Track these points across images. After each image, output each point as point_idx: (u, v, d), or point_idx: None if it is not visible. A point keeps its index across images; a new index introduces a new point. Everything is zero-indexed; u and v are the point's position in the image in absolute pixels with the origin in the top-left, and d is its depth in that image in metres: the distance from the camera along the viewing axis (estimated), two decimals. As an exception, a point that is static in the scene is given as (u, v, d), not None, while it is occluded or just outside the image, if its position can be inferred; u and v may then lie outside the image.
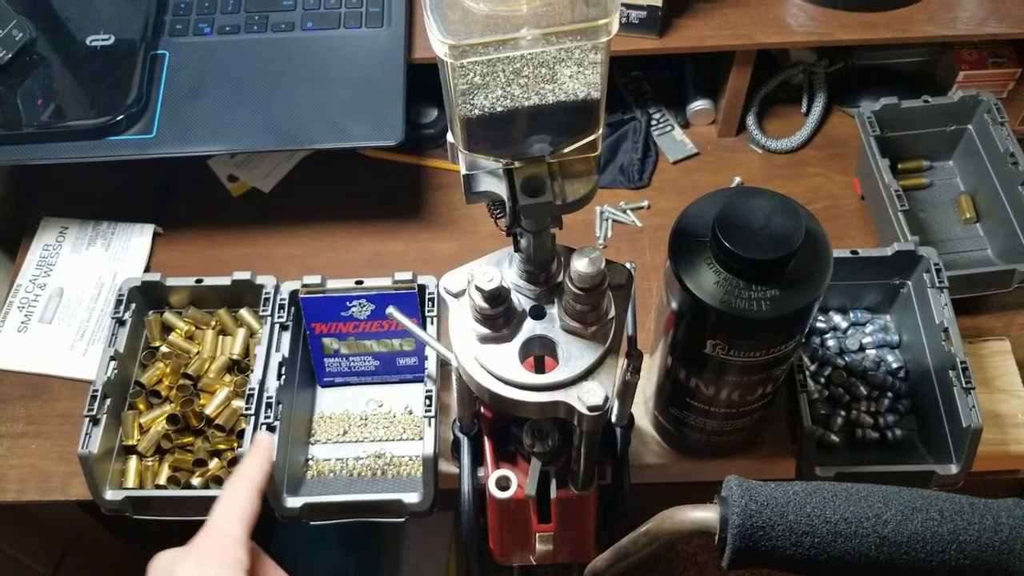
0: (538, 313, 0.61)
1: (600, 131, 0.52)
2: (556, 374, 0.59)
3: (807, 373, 0.85)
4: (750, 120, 1.07)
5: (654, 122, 1.10)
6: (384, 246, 1.02)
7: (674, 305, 0.67)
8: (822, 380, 0.85)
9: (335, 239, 1.03)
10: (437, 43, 0.44)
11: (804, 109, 1.09)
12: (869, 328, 0.88)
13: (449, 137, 0.53)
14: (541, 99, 0.49)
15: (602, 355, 0.60)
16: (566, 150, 0.53)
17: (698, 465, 0.85)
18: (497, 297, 0.58)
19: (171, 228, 1.03)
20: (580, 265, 0.56)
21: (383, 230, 1.03)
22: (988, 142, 0.96)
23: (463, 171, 0.53)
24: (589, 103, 0.49)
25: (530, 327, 0.61)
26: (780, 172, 1.06)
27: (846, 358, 0.86)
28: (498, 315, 0.59)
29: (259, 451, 0.67)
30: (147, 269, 0.99)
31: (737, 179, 1.05)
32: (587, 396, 0.58)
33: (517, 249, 0.59)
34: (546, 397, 0.59)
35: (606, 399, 0.58)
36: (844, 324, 0.88)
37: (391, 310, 0.72)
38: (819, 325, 0.88)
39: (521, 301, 0.61)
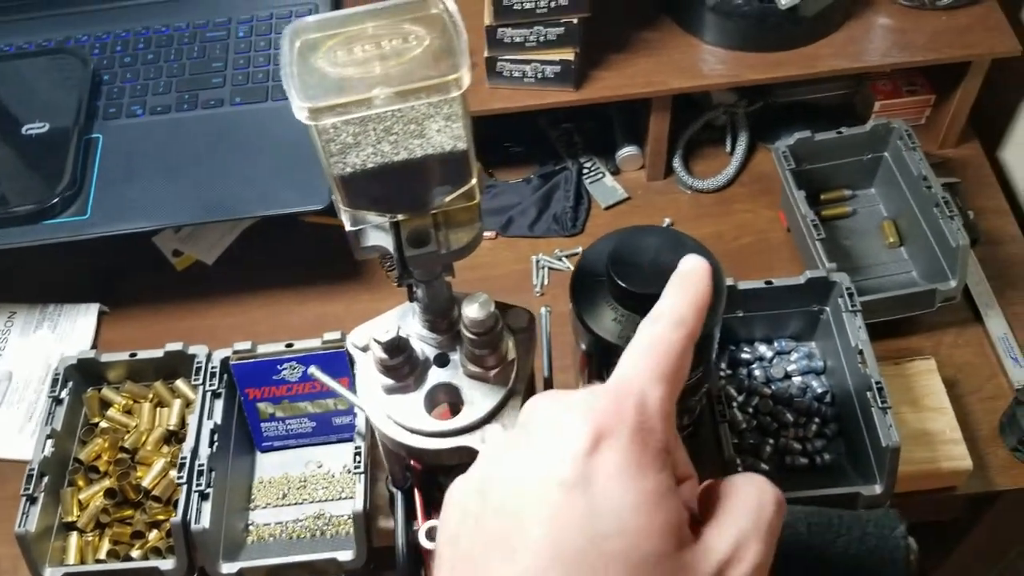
0: (443, 361, 0.63)
1: (474, 181, 0.54)
2: (459, 419, 0.61)
3: (735, 403, 0.87)
4: (676, 163, 1.10)
5: (585, 170, 1.13)
6: (326, 308, 1.04)
7: (583, 345, 0.69)
8: (750, 410, 0.86)
9: (278, 305, 1.05)
10: (296, 108, 0.47)
11: (729, 148, 1.12)
12: (794, 356, 0.89)
13: (332, 195, 0.55)
14: (410, 154, 0.51)
15: (504, 397, 0.61)
16: (446, 200, 0.55)
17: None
18: (396, 348, 0.60)
19: (117, 306, 1.05)
20: (470, 311, 0.58)
21: (324, 293, 1.05)
22: (903, 168, 0.99)
23: (348, 227, 0.55)
24: (456, 155, 0.52)
25: (435, 375, 0.62)
26: (709, 211, 1.08)
27: (772, 387, 0.87)
28: (399, 365, 0.60)
29: (694, 283, 0.45)
30: (93, 348, 1.01)
31: (667, 220, 1.07)
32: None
33: (412, 299, 0.61)
34: (450, 443, 0.60)
35: (509, 440, 0.60)
36: (769, 353, 0.90)
37: (313, 370, 0.74)
38: (744, 356, 0.89)
39: (425, 351, 0.63)
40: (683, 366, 0.41)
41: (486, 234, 1.08)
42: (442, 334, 0.63)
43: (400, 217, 0.56)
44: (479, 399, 0.61)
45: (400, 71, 0.47)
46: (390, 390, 0.62)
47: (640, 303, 0.64)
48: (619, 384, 0.39)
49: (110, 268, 1.08)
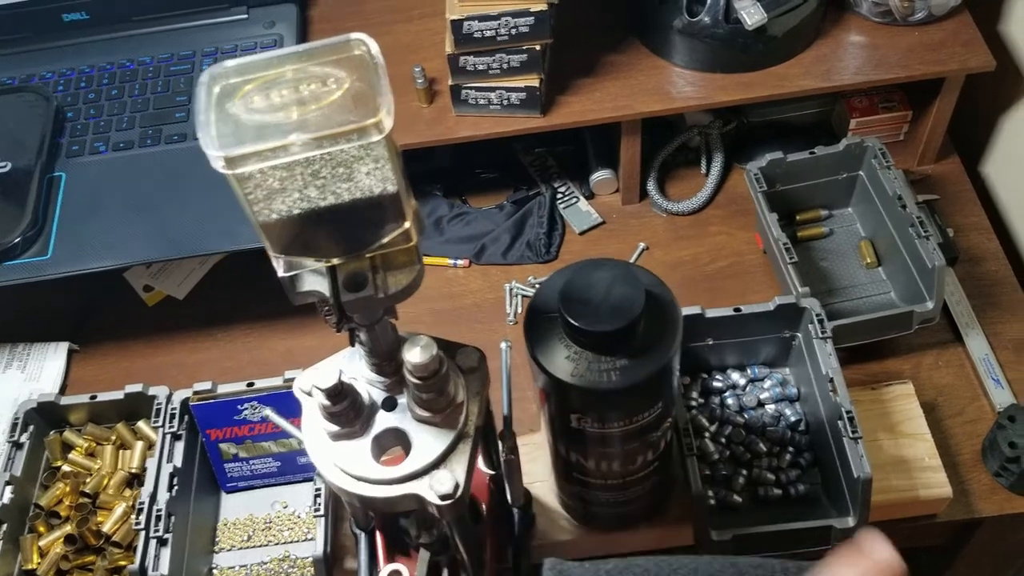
0: (390, 405, 0.61)
1: (408, 224, 0.53)
2: (406, 465, 0.59)
3: (707, 434, 0.85)
4: (651, 185, 1.09)
5: (559, 195, 1.11)
6: (297, 343, 1.03)
7: (539, 383, 0.68)
8: (722, 440, 0.84)
9: (249, 340, 1.04)
10: (212, 158, 0.45)
11: (704, 170, 1.11)
12: (767, 383, 0.87)
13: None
14: (337, 198, 0.50)
15: (453, 441, 0.60)
16: (382, 242, 0.54)
17: (608, 538, 0.84)
18: (339, 394, 0.58)
19: (88, 343, 1.04)
20: (412, 356, 0.56)
21: (295, 327, 1.04)
22: (878, 187, 0.97)
23: (280, 273, 0.54)
24: (385, 197, 0.50)
25: (383, 420, 0.61)
26: (684, 233, 1.07)
27: (745, 415, 0.86)
28: (343, 411, 0.59)
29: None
30: (64, 387, 1.00)
31: (641, 245, 1.06)
32: (437, 485, 0.58)
33: (354, 344, 0.60)
34: (398, 491, 0.59)
35: (456, 486, 0.58)
36: (742, 381, 0.88)
37: (268, 413, 0.73)
38: (716, 384, 0.88)
39: (373, 394, 0.62)
40: None
41: (459, 262, 1.07)
42: (389, 377, 0.61)
43: (335, 261, 0.54)
44: (427, 444, 0.60)
45: (317, 117, 0.46)
46: (336, 436, 0.60)
47: (592, 341, 0.62)
48: None
49: (81, 305, 1.07)
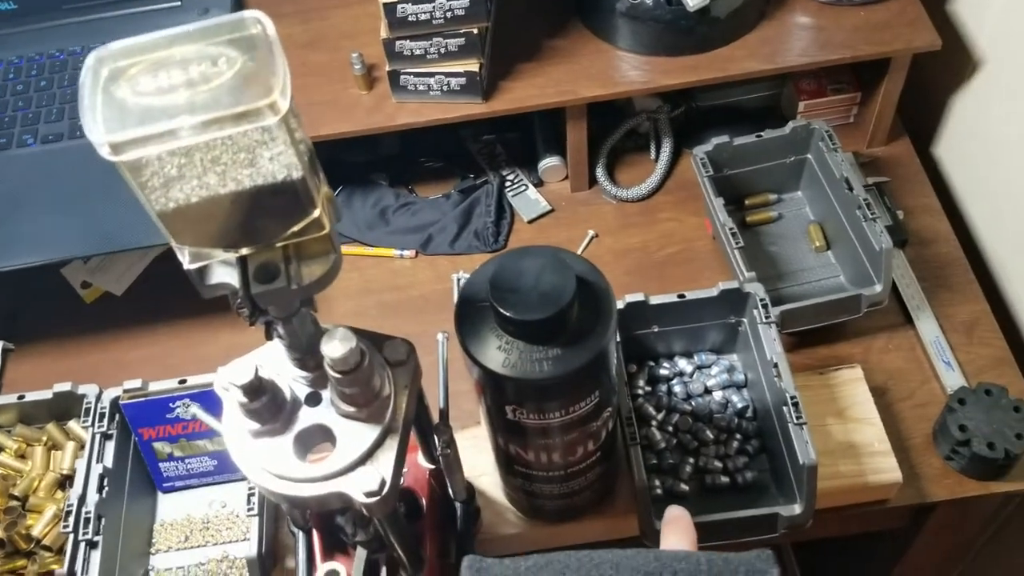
0: (314, 400, 0.59)
1: (317, 212, 0.51)
2: (330, 463, 0.57)
3: (654, 422, 0.83)
4: (599, 172, 1.07)
5: (508, 183, 1.09)
6: (241, 338, 1.00)
7: (473, 375, 0.66)
8: (669, 428, 0.83)
9: (191, 335, 1.01)
10: (97, 144, 0.43)
11: (653, 155, 1.09)
12: (714, 370, 0.86)
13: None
14: (238, 185, 0.48)
15: (380, 436, 0.58)
16: (293, 230, 0.52)
17: (555, 530, 0.83)
18: (256, 390, 0.56)
19: (24, 342, 1.01)
20: (330, 349, 0.54)
21: (239, 322, 1.01)
22: (826, 170, 0.96)
23: (186, 265, 0.52)
24: (290, 184, 0.48)
25: (306, 416, 0.59)
26: (634, 220, 1.05)
27: (692, 403, 0.84)
28: (263, 408, 0.57)
29: (687, 527, 0.53)
30: (-1, 387, 0.97)
31: (591, 233, 1.04)
32: (363, 482, 0.56)
33: (270, 338, 0.58)
34: (322, 489, 0.57)
35: (383, 482, 0.56)
36: (689, 368, 0.86)
37: (195, 411, 0.70)
38: (663, 372, 0.86)
39: (297, 390, 0.60)
40: None
41: (406, 253, 1.05)
42: (312, 371, 0.59)
43: (245, 251, 0.52)
44: (352, 439, 0.57)
45: (206, 98, 0.43)
46: (257, 434, 0.58)
47: (523, 330, 0.60)
48: None
49: (16, 303, 1.04)
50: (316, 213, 0.51)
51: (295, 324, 0.56)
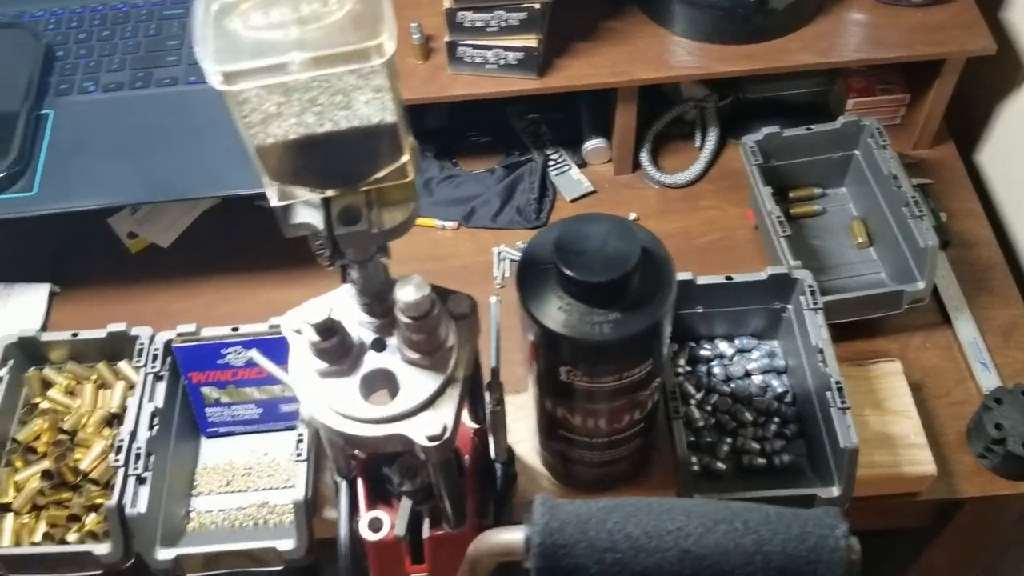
0: (379, 346, 0.61)
1: (406, 158, 0.52)
2: (394, 405, 0.58)
3: (692, 401, 0.85)
4: (644, 156, 1.08)
5: (551, 162, 1.10)
6: (281, 295, 1.02)
7: (530, 336, 0.67)
8: (708, 408, 0.84)
9: (233, 291, 1.03)
10: (209, 73, 0.44)
11: (698, 144, 1.10)
12: (755, 354, 0.87)
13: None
14: (335, 126, 0.49)
15: (442, 384, 0.59)
16: (378, 175, 0.53)
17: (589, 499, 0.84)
18: (329, 330, 0.57)
19: (70, 287, 1.03)
20: (404, 294, 0.55)
21: (281, 279, 1.03)
22: (873, 166, 0.97)
23: (273, 202, 0.53)
24: (384, 128, 0.50)
25: (371, 360, 0.60)
26: (675, 206, 1.06)
27: (732, 385, 0.85)
28: (333, 348, 0.58)
29: None
30: (43, 328, 0.98)
31: (632, 215, 1.05)
32: (426, 426, 0.58)
33: (345, 281, 0.59)
34: (385, 430, 0.58)
35: (444, 428, 0.58)
36: (730, 351, 0.88)
37: (254, 354, 0.72)
38: (704, 353, 0.87)
39: (362, 335, 0.61)
40: None
41: (448, 224, 1.06)
42: (379, 318, 0.61)
43: (330, 193, 0.53)
44: (416, 386, 0.59)
45: (317, 36, 0.45)
46: (325, 374, 0.59)
47: (585, 292, 0.62)
48: None
49: (63, 249, 1.05)
50: (404, 159, 0.52)
51: (369, 269, 0.57)
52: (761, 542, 0.45)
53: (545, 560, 0.45)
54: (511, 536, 0.48)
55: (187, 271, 1.04)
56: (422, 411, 0.58)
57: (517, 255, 1.03)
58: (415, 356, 0.59)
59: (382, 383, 0.61)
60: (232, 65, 0.44)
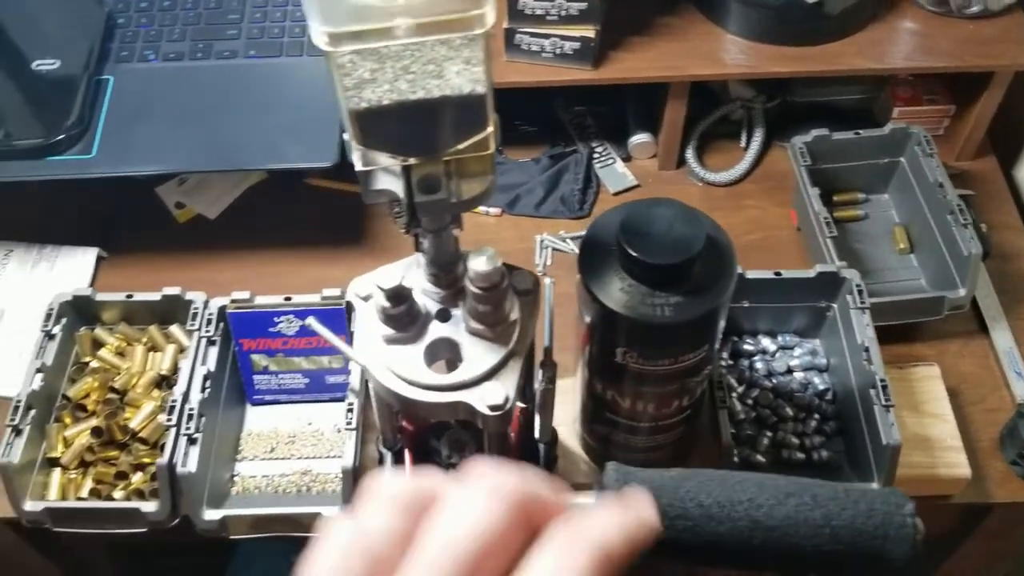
0: (444, 316, 0.62)
1: (491, 129, 0.53)
2: (458, 374, 0.60)
3: (735, 393, 0.86)
4: (689, 153, 1.09)
5: (596, 155, 1.12)
6: (326, 272, 1.03)
7: (587, 317, 0.68)
8: (749, 401, 0.85)
9: (277, 265, 1.04)
10: (315, 32, 0.46)
11: (743, 144, 1.11)
12: (797, 351, 0.88)
13: (344, 135, 0.54)
14: (427, 93, 0.50)
15: (505, 356, 0.60)
16: (460, 146, 0.54)
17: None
18: (399, 296, 0.59)
19: (116, 252, 1.04)
20: (477, 264, 0.57)
21: (325, 257, 1.04)
22: (919, 173, 0.98)
23: (358, 167, 0.54)
24: (474, 98, 0.51)
25: (436, 329, 0.61)
26: (719, 204, 1.07)
27: (773, 380, 0.86)
28: (401, 315, 0.59)
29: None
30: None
31: (676, 210, 1.06)
32: (488, 396, 0.59)
33: (419, 249, 0.60)
34: (448, 397, 0.59)
35: (507, 399, 0.59)
36: (772, 347, 0.89)
37: (311, 321, 0.73)
38: (747, 347, 0.88)
39: (427, 304, 0.62)
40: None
41: (491, 210, 1.07)
42: (445, 289, 0.62)
43: (411, 161, 0.55)
44: (479, 356, 0.60)
45: (423, 3, 0.46)
46: (390, 340, 0.61)
47: (649, 273, 0.63)
48: None
49: (111, 215, 1.07)
50: (489, 130, 0.53)
51: (443, 238, 0.59)
52: (830, 516, 0.45)
53: (616, 525, 0.46)
54: (581, 501, 0.49)
55: (232, 243, 1.05)
56: (485, 380, 0.60)
57: (560, 244, 1.04)
58: (480, 328, 0.60)
59: (445, 352, 0.62)
60: (339, 26, 0.45)
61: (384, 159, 0.55)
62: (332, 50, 0.46)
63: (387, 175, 0.56)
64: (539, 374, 0.71)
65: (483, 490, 0.34)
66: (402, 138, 0.53)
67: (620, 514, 0.37)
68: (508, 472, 0.35)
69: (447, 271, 0.61)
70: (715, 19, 1.02)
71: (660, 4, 1.04)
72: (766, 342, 0.89)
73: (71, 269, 1.01)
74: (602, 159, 1.12)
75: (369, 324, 0.61)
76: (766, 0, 0.97)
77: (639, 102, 1.12)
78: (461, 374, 0.59)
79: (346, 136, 0.54)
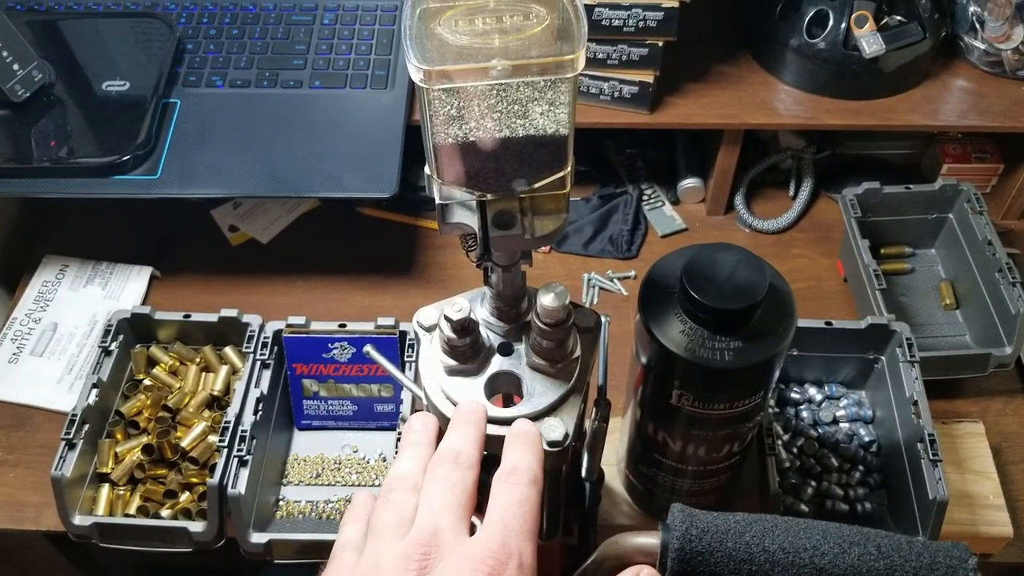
0: (506, 350, 0.63)
1: (569, 169, 0.54)
2: (519, 408, 0.60)
3: (780, 441, 0.86)
4: (738, 200, 1.10)
5: (645, 197, 1.13)
6: (374, 300, 1.04)
7: (643, 358, 0.69)
8: (794, 450, 0.85)
9: (327, 291, 1.05)
10: (413, 69, 0.47)
11: (792, 193, 1.12)
12: (843, 402, 0.88)
13: (426, 169, 0.55)
14: (512, 132, 0.52)
15: (565, 393, 0.61)
16: (536, 185, 0.55)
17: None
18: (465, 328, 0.59)
19: (169, 273, 1.06)
20: (546, 300, 0.57)
21: (374, 285, 1.06)
22: (968, 230, 0.98)
23: (438, 200, 0.56)
24: (557, 139, 0.52)
25: (498, 362, 0.62)
26: (766, 251, 1.08)
27: (819, 430, 0.87)
28: (465, 347, 0.60)
29: (533, 441, 0.55)
30: (143, 309, 1.02)
31: (723, 255, 1.07)
32: (547, 431, 0.59)
33: (487, 283, 0.61)
34: (508, 431, 0.60)
35: (566, 435, 0.59)
36: (819, 396, 0.89)
37: (368, 349, 0.74)
38: (794, 396, 0.89)
39: (490, 337, 0.63)
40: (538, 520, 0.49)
41: (540, 247, 1.08)
42: (509, 323, 0.63)
43: (488, 197, 0.56)
44: (540, 392, 0.61)
45: (519, 46, 0.47)
46: (452, 371, 0.61)
47: (711, 318, 0.63)
48: (500, 547, 0.46)
49: (166, 236, 1.09)
50: (566, 171, 0.54)
51: (512, 273, 0.60)
52: (893, 567, 0.46)
53: (683, 565, 0.47)
54: (646, 540, 0.50)
55: (284, 269, 1.07)
56: (545, 416, 0.60)
57: (607, 283, 1.05)
58: (542, 363, 0.61)
59: (505, 386, 0.63)
60: (436, 65, 0.46)
61: (461, 193, 0.56)
62: (427, 87, 0.48)
63: (463, 209, 0.57)
64: (592, 412, 0.71)
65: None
66: (482, 174, 0.54)
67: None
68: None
69: (512, 306, 0.62)
70: (771, 70, 1.03)
71: (717, 53, 1.05)
72: (813, 391, 0.89)
73: (125, 287, 1.03)
74: (651, 201, 1.13)
75: (432, 354, 0.62)
76: (823, 53, 0.98)
77: (689, 147, 1.13)
78: (522, 408, 0.60)
79: (427, 170, 0.55)
